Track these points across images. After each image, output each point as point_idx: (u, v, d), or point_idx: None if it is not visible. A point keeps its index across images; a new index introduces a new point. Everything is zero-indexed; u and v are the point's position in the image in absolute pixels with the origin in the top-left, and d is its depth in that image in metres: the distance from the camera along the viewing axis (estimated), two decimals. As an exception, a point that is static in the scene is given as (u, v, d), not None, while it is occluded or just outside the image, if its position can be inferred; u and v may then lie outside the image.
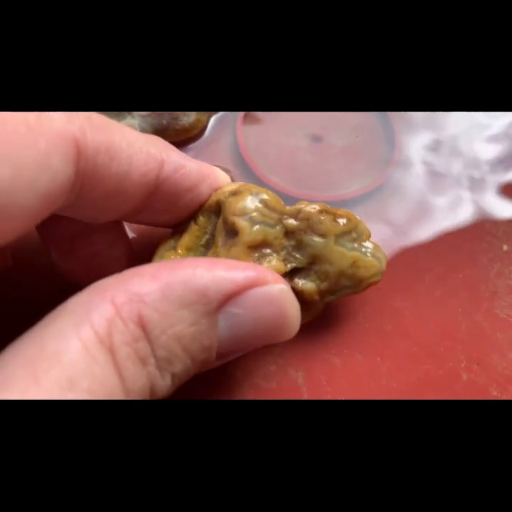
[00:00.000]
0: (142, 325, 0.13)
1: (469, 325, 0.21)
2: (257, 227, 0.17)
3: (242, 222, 0.17)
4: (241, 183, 0.19)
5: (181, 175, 0.18)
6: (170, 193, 0.18)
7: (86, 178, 0.15)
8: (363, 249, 0.18)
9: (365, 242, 0.18)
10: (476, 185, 0.24)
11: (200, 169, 0.18)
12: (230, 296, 0.14)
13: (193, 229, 0.19)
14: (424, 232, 0.23)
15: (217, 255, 0.18)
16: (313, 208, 0.18)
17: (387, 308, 0.21)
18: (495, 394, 0.20)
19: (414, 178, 0.24)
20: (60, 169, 0.14)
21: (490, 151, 0.25)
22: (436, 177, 0.24)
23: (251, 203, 0.17)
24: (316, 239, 0.18)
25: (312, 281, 0.18)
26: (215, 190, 0.19)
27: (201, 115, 0.24)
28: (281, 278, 0.15)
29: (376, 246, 0.19)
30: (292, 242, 0.18)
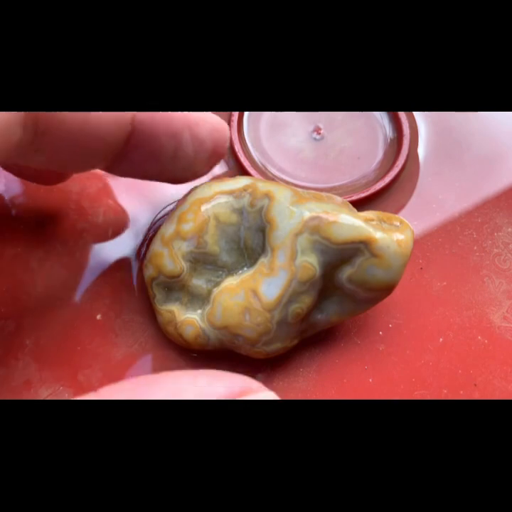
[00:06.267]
0: None
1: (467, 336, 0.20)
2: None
3: None
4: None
5: (159, 118, 0.16)
6: (147, 139, 0.17)
7: (40, 115, 0.14)
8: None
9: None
10: (480, 181, 0.23)
11: (184, 115, 0.17)
12: None
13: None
14: (428, 227, 0.22)
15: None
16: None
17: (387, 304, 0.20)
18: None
19: (420, 175, 0.23)
20: None
21: (495, 147, 0.24)
22: (440, 172, 0.23)
23: None
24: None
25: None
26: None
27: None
28: (264, 387, 0.14)
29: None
30: None
